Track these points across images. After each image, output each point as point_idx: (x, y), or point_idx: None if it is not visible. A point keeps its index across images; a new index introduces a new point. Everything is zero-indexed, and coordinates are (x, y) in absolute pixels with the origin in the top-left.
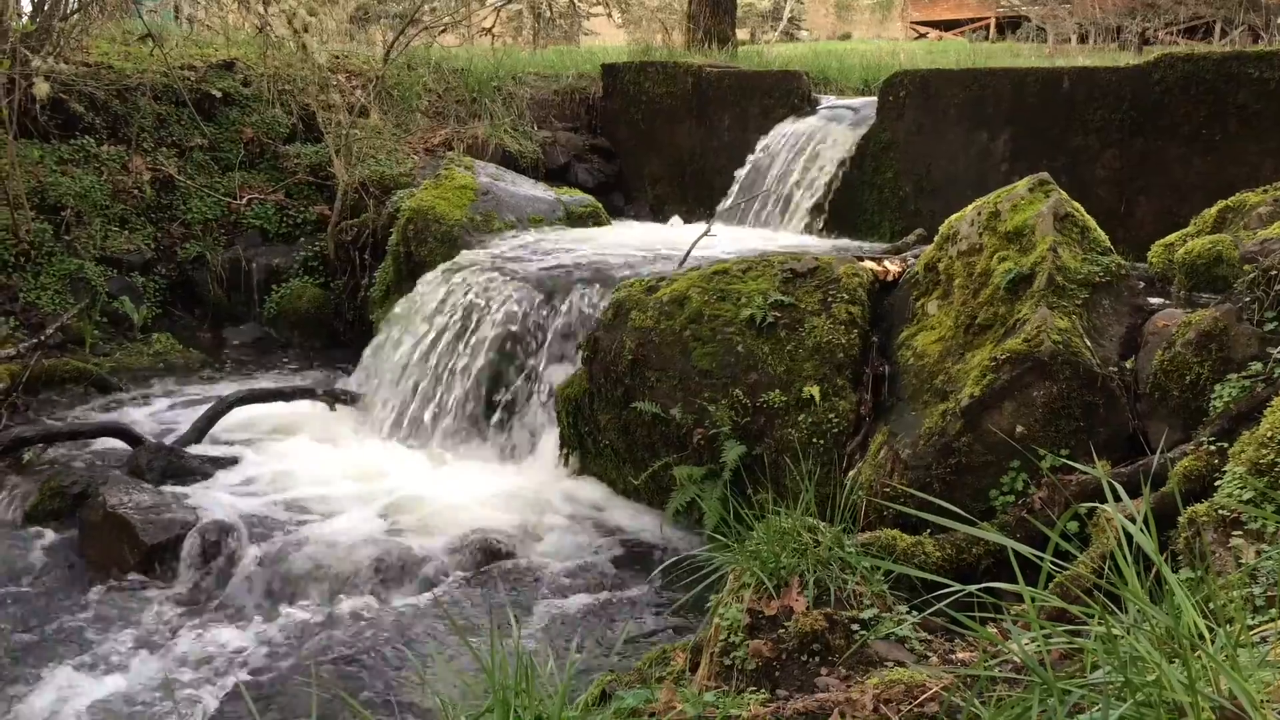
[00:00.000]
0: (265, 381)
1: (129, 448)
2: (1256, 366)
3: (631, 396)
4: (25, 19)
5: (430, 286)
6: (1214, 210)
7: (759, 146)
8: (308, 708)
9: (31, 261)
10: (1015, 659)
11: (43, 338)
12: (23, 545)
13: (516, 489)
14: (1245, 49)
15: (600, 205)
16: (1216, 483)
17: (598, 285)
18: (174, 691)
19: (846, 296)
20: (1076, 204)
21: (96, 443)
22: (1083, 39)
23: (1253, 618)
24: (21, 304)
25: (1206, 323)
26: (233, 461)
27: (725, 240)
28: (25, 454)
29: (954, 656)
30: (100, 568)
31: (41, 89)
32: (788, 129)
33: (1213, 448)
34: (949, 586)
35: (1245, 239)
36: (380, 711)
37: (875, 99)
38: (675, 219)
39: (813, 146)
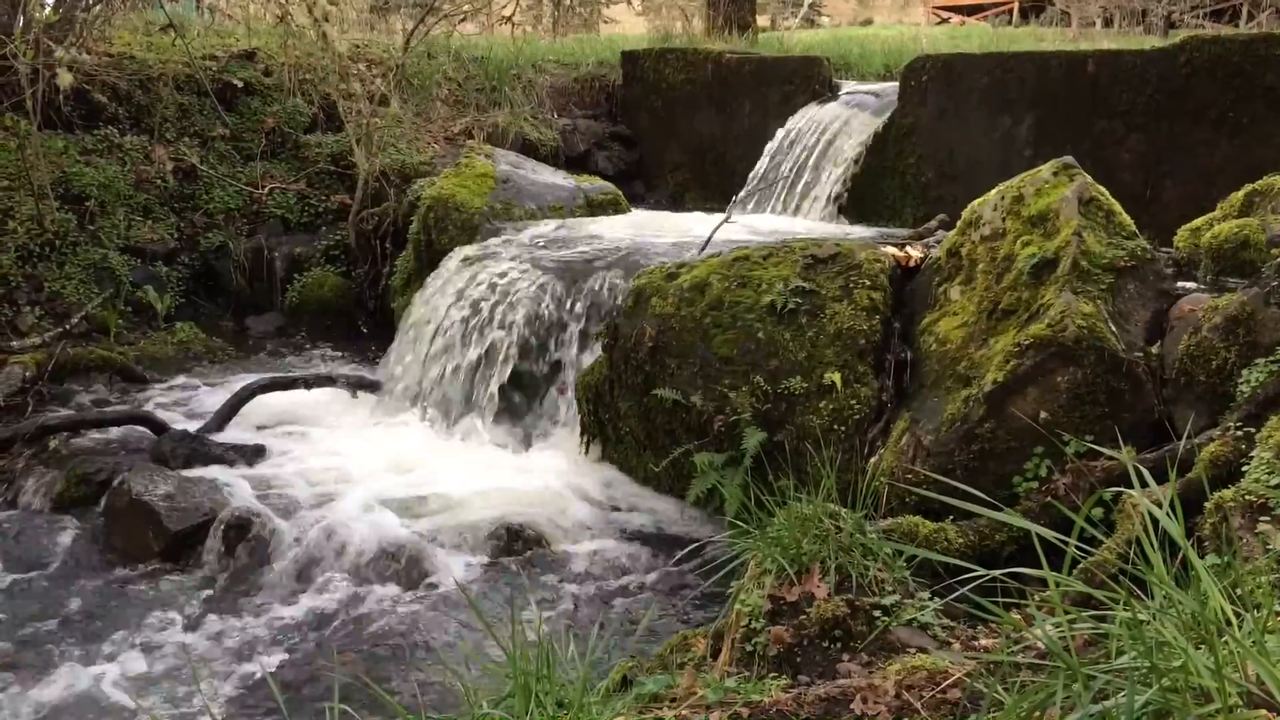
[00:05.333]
0: (288, 369)
1: (154, 435)
2: None
3: (652, 383)
4: (48, 9)
5: (451, 274)
6: (1241, 194)
7: (780, 133)
8: (330, 692)
9: (56, 251)
10: (1039, 645)
11: (68, 327)
12: (50, 532)
13: (537, 476)
14: (1273, 31)
15: (620, 193)
16: (1244, 468)
17: (618, 272)
18: (198, 676)
19: (868, 282)
20: (1101, 188)
21: (122, 431)
22: (1107, 23)
23: None
24: (47, 294)
25: (1233, 307)
26: (256, 449)
27: (746, 227)
28: (52, 442)
29: (977, 643)
30: (126, 554)
31: (65, 79)
32: (809, 115)
33: (1240, 433)
34: (971, 572)
35: (1273, 223)
36: (403, 696)
37: (897, 84)
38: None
39: (834, 132)
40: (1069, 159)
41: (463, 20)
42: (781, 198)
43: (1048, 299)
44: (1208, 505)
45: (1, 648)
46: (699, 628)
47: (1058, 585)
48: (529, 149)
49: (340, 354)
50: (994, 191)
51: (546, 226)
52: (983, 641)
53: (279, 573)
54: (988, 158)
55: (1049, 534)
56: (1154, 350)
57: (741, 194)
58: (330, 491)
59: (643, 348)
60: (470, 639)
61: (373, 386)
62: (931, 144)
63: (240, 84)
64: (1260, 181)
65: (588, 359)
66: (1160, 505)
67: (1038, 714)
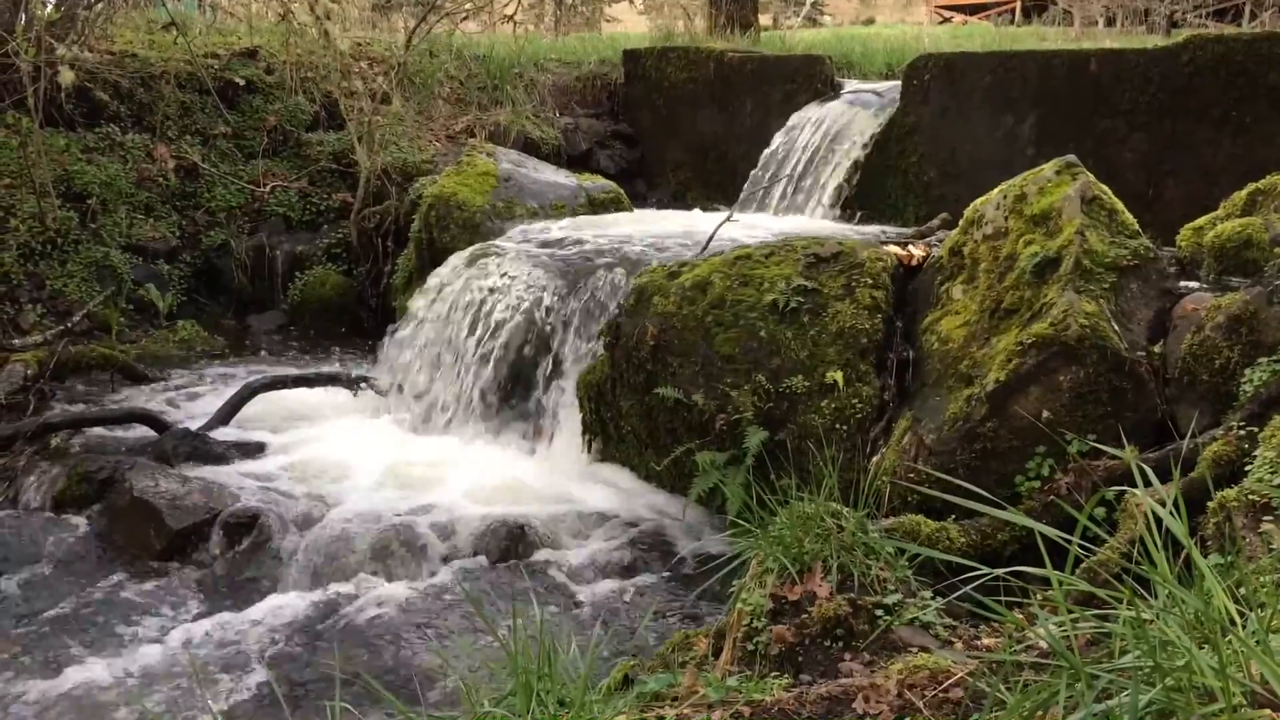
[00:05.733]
0: (289, 368)
1: (155, 433)
2: None
3: (653, 382)
4: (50, 7)
5: (453, 273)
6: (1244, 193)
7: (782, 132)
8: (331, 690)
9: (58, 249)
10: (1041, 645)
11: (70, 325)
12: (51, 530)
13: (539, 475)
14: (1276, 30)
15: (622, 191)
16: (1247, 468)
17: (620, 271)
18: (199, 673)
19: (870, 281)
20: (1104, 187)
21: (123, 429)
22: (1110, 22)
23: None
24: (49, 291)
25: (1236, 306)
26: (258, 447)
27: (748, 226)
28: (54, 440)
29: (979, 642)
30: (127, 552)
31: (66, 77)
32: (811, 114)
33: (1243, 432)
34: (974, 571)
35: (1276, 222)
36: (404, 694)
37: (899, 83)
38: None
39: (836, 131)
40: (1071, 158)
41: (465, 18)
42: (784, 196)
43: (1050, 298)
44: (1211, 505)
45: (3, 645)
46: (701, 626)
47: (1060, 584)
48: (531, 147)
49: (342, 352)
50: (996, 190)
51: (548, 225)
52: (985, 641)
53: (280, 570)
54: (990, 157)
55: (1052, 533)
56: (1157, 349)
57: (744, 193)
58: (331, 489)
59: (644, 346)
60: (472, 637)
61: (375, 385)
62: (934, 143)
63: (242, 82)
64: (1263, 180)
65: (589, 358)
66: (1163, 504)
67: (1040, 713)
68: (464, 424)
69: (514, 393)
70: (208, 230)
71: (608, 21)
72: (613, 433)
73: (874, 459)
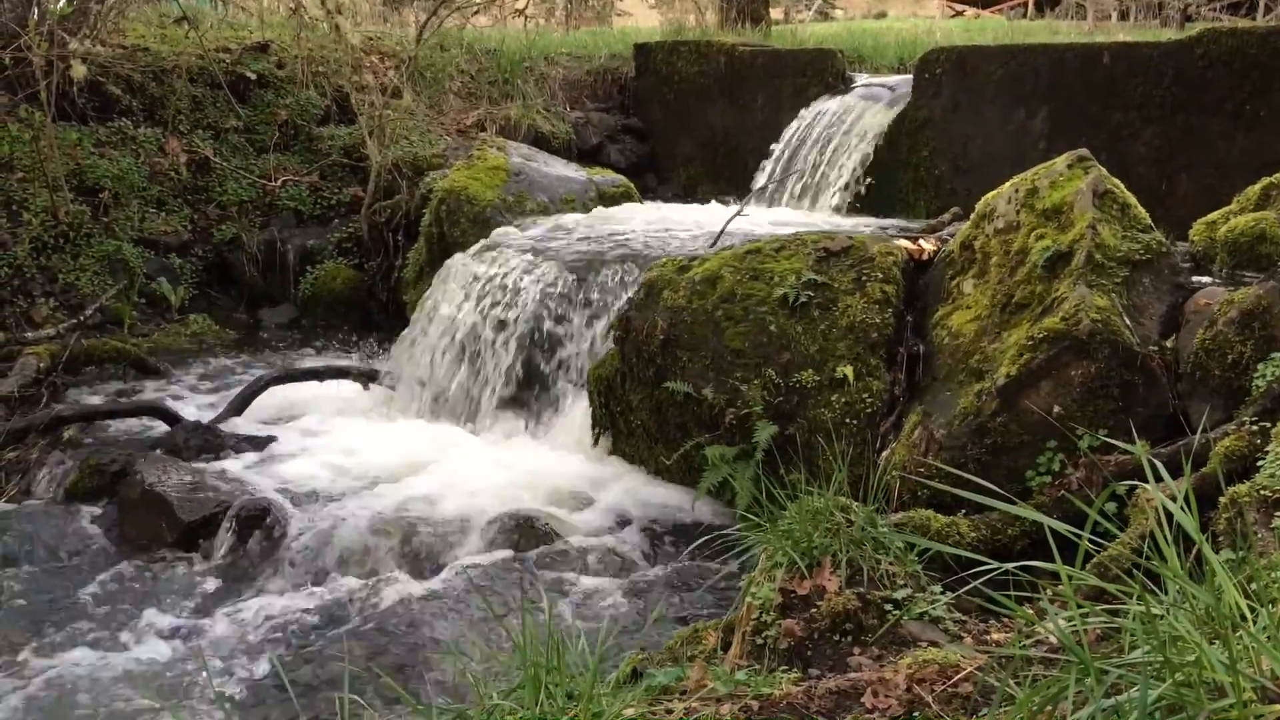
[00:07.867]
0: (300, 361)
1: (167, 426)
2: None
3: (663, 376)
4: (63, 2)
5: (463, 267)
6: (1258, 187)
7: (793, 126)
8: (341, 682)
9: (70, 243)
10: (1051, 639)
11: (82, 318)
12: (63, 522)
13: (548, 468)
14: None
15: (632, 185)
16: (1259, 463)
17: (630, 265)
18: (209, 665)
19: (880, 275)
20: (1116, 181)
21: (135, 421)
22: (1123, 15)
23: None
24: (61, 285)
25: (1249, 301)
26: (268, 440)
27: (758, 220)
28: (65, 432)
29: (989, 637)
30: (138, 544)
31: (79, 71)
32: (822, 108)
33: (1255, 427)
34: (983, 566)
35: None
36: (413, 686)
37: (911, 77)
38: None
39: (847, 125)
40: (1084, 152)
41: (475, 12)
42: (794, 190)
43: (1062, 292)
44: (1222, 500)
45: (14, 634)
46: (709, 620)
47: (1070, 579)
48: (541, 141)
49: (353, 346)
50: (1008, 184)
51: (558, 219)
52: (994, 635)
53: (290, 563)
54: (1002, 150)
55: (1062, 527)
56: (1169, 344)
57: (754, 186)
58: (341, 483)
59: (654, 340)
60: (480, 630)
61: (385, 379)
62: (945, 137)
63: (253, 76)
64: (1277, 175)
65: (599, 351)
66: (1174, 499)
67: (1050, 708)
68: (474, 417)
69: (524, 386)
70: (219, 224)
71: (618, 15)
72: (622, 427)
73: (884, 454)
